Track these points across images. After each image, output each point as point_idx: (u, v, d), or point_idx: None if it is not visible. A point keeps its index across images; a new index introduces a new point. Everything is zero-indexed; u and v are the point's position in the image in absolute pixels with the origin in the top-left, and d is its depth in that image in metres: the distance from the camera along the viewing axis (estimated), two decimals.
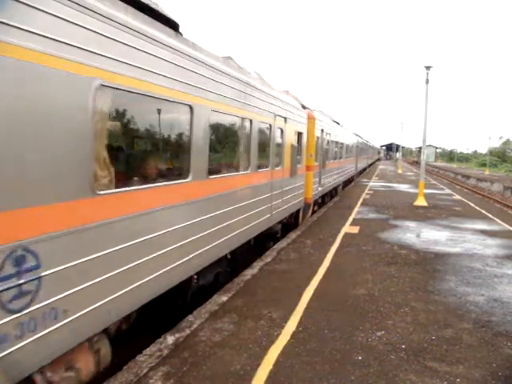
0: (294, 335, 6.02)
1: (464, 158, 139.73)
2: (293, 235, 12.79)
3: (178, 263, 5.99)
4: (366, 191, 26.94)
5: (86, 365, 4.43)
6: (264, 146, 10.00)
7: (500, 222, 16.57)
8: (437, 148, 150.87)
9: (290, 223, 13.79)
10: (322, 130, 17.56)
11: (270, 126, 10.31)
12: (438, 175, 58.25)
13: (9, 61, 3.29)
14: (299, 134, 13.70)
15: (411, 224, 15.33)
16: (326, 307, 7.09)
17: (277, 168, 11.03)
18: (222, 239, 7.53)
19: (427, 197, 22.16)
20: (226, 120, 7.98)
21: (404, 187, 31.22)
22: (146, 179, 5.42)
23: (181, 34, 6.15)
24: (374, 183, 34.24)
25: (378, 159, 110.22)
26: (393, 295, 7.79)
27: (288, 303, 7.19)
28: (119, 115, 5.06)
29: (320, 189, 17.63)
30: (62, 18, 3.78)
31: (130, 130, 5.42)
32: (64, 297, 3.85)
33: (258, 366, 5.15)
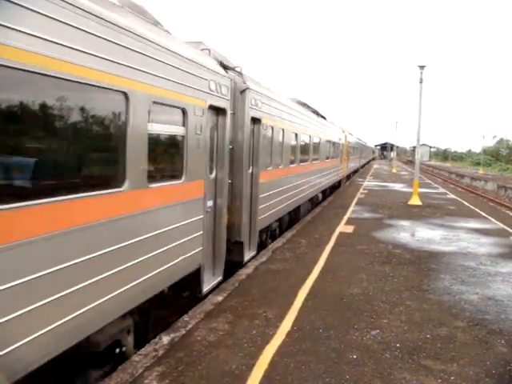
0: (289, 334, 6.03)
1: (458, 157, 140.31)
2: (288, 235, 12.80)
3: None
4: (361, 190, 27.01)
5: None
6: (335, 149, 25.08)
7: (494, 220, 16.67)
8: (431, 147, 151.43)
9: (337, 185, 27.84)
10: (347, 140, 33.11)
11: (335, 142, 24.96)
12: (433, 174, 58.49)
13: None
14: (342, 144, 28.64)
15: (405, 223, 15.39)
16: (320, 306, 7.10)
17: (335, 158, 25.21)
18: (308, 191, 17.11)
19: (421, 196, 22.24)
20: (324, 139, 20.41)
21: (398, 186, 31.33)
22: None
23: (324, 117, 22.28)
24: (368, 182, 34.34)
25: (373, 158, 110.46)
26: (387, 294, 7.82)
27: (283, 303, 7.19)
28: None
29: (346, 171, 33.52)
30: None
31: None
32: None
33: (254, 365, 5.15)
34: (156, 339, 5.77)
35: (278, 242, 11.70)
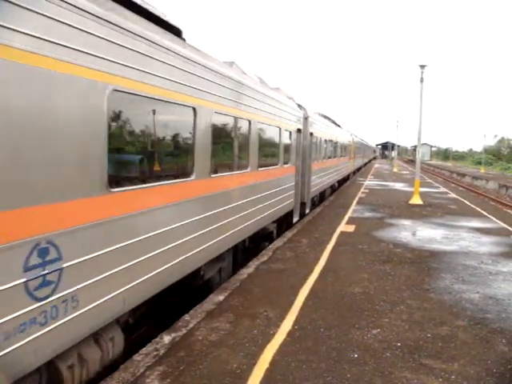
0: (290, 334, 6.04)
1: (459, 157, 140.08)
2: (289, 234, 12.81)
3: None
4: (362, 190, 27.01)
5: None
6: (346, 149, 32.26)
7: (495, 219, 16.66)
8: (432, 146, 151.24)
9: (346, 178, 33.81)
10: (354, 141, 41.01)
11: (346, 144, 32.15)
12: (434, 174, 58.47)
13: None
14: (350, 145, 35.49)
15: (406, 222, 15.39)
16: (321, 306, 7.11)
17: (346, 156, 31.86)
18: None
19: (422, 195, 22.24)
20: (340, 142, 28.00)
21: (399, 186, 31.32)
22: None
23: (339, 125, 31.36)
24: (369, 182, 34.32)
25: (374, 158, 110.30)
26: (388, 293, 7.82)
27: (284, 302, 7.21)
28: None
29: (353, 167, 40.85)
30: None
31: None
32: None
33: (255, 364, 5.16)
34: (157, 338, 5.78)
35: (279, 242, 11.71)
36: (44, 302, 3.64)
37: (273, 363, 5.21)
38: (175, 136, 6.33)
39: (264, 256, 10.17)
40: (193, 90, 6.24)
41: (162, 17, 5.95)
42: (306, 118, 15.55)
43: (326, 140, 20.94)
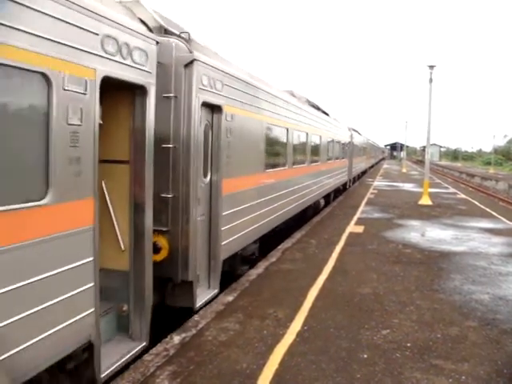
0: (299, 334, 6.05)
1: (468, 157, 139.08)
2: (298, 235, 12.82)
3: None
4: (371, 190, 26.93)
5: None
6: (365, 150, 45.05)
7: (505, 220, 16.54)
8: (441, 147, 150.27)
9: (363, 172, 44.52)
10: (367, 144, 50.97)
11: (365, 147, 45.42)
12: (443, 174, 58.06)
13: None
14: (366, 147, 47.99)
15: (416, 223, 15.33)
16: (331, 306, 7.12)
17: (364, 156, 44.32)
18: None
19: (432, 196, 22.13)
20: (361, 146, 41.08)
21: (408, 186, 31.20)
22: None
23: (360, 133, 42.15)
24: (378, 182, 34.22)
25: (383, 158, 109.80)
26: (398, 294, 7.80)
27: (293, 302, 7.22)
28: None
29: (369, 164, 53.60)
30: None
31: None
32: None
33: (264, 364, 5.18)
34: (167, 339, 5.82)
35: (288, 243, 11.72)
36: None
37: (282, 363, 5.22)
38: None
39: (273, 257, 10.19)
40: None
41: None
42: (351, 135, 27.97)
43: (357, 145, 33.90)
